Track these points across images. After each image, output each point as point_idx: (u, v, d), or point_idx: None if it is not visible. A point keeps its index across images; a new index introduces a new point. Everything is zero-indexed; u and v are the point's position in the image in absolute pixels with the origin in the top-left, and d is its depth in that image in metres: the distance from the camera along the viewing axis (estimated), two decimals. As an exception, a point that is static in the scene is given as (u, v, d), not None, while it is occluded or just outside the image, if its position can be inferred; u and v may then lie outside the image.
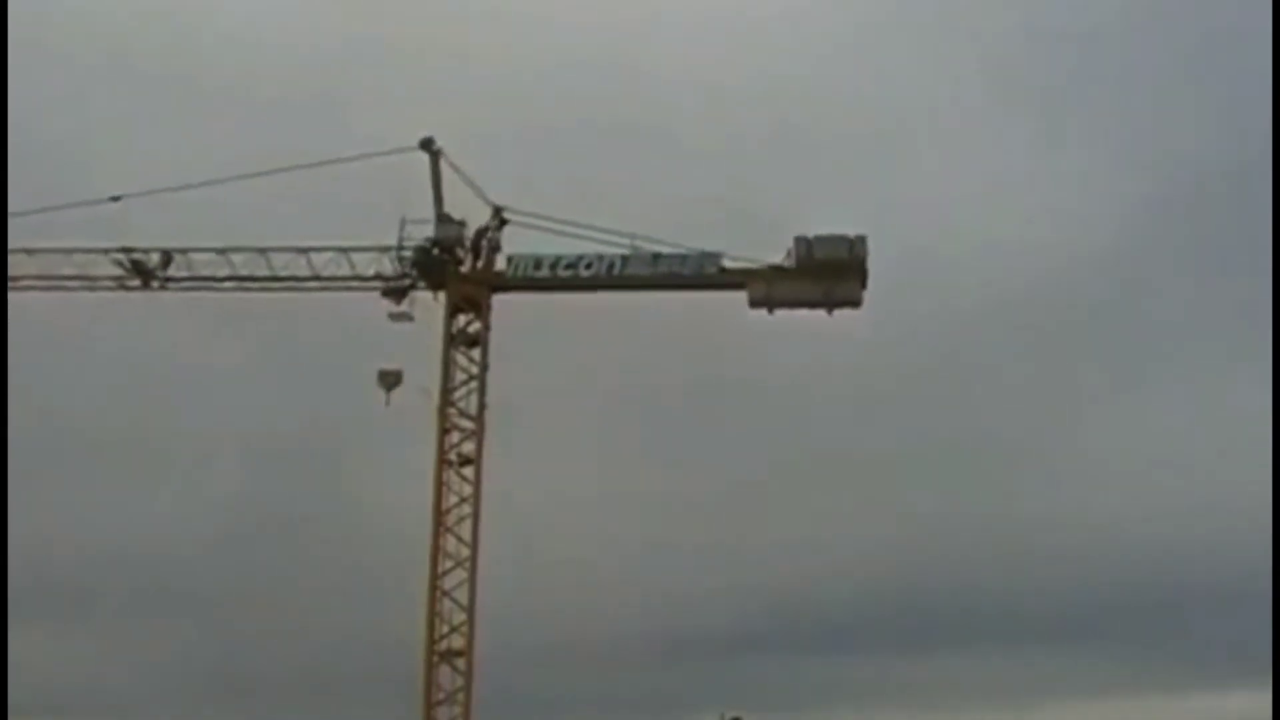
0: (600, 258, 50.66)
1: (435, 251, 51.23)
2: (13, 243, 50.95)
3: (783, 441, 72.92)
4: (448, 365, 50.98)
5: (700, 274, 50.62)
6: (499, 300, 51.51)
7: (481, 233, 51.37)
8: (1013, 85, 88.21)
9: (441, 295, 51.56)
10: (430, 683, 48.76)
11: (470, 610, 49.00)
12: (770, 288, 50.25)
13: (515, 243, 51.51)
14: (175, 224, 52.57)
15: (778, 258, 50.39)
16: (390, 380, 50.85)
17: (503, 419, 50.18)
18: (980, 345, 79.28)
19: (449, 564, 49.58)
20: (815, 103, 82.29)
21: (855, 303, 50.02)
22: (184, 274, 52.66)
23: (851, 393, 74.70)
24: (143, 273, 52.56)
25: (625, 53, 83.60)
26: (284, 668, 66.23)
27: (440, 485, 50.14)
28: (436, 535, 49.73)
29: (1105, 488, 75.38)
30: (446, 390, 50.80)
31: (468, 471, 50.35)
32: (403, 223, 51.33)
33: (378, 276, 51.49)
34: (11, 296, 51.67)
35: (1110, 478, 76.46)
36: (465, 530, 49.81)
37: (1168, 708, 73.90)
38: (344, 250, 51.52)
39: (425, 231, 51.49)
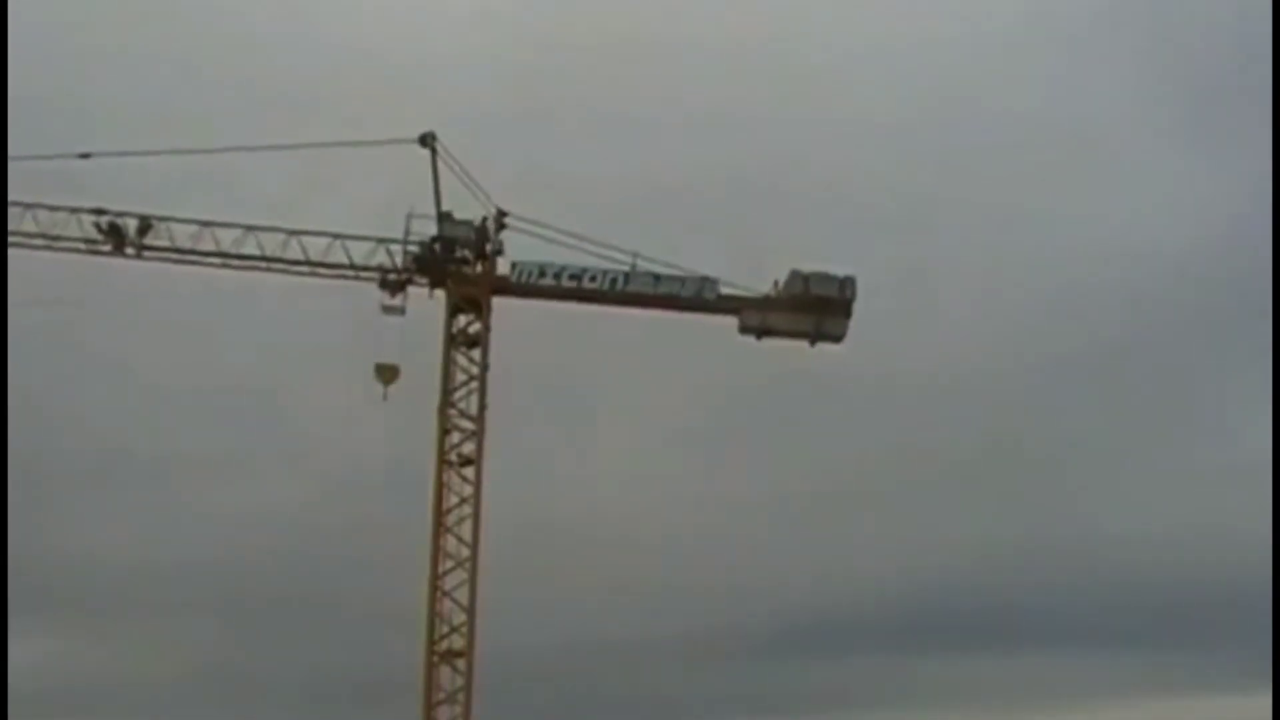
0: (604, 272, 51.51)
1: (438, 249, 50.46)
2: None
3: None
4: (448, 365, 50.21)
5: (698, 297, 52.33)
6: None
7: (483, 232, 51.03)
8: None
9: (440, 293, 50.70)
10: (430, 683, 47.04)
11: (470, 610, 47.82)
12: (764, 317, 52.61)
13: (514, 246, 51.49)
14: (153, 192, 49.42)
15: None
16: (388, 375, 49.41)
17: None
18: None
19: (449, 564, 48.19)
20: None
21: (840, 337, 53.10)
22: (163, 243, 49.19)
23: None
24: (118, 238, 48.80)
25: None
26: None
27: (440, 485, 48.94)
28: (436, 535, 48.62)
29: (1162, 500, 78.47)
30: (447, 390, 49.88)
31: (468, 471, 49.35)
32: (409, 217, 50.55)
33: (379, 268, 50.09)
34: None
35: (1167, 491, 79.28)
36: (465, 530, 48.69)
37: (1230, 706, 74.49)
38: (337, 237, 49.92)
39: (425, 227, 50.65)
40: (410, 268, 50.42)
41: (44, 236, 48.29)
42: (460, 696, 47.19)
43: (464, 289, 50.71)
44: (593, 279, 51.48)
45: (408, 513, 49.55)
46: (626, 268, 51.73)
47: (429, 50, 78.68)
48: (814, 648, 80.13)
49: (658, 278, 52.09)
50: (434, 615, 47.76)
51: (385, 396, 49.47)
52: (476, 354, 50.52)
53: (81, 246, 48.71)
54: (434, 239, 50.55)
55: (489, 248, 51.10)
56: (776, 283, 52.93)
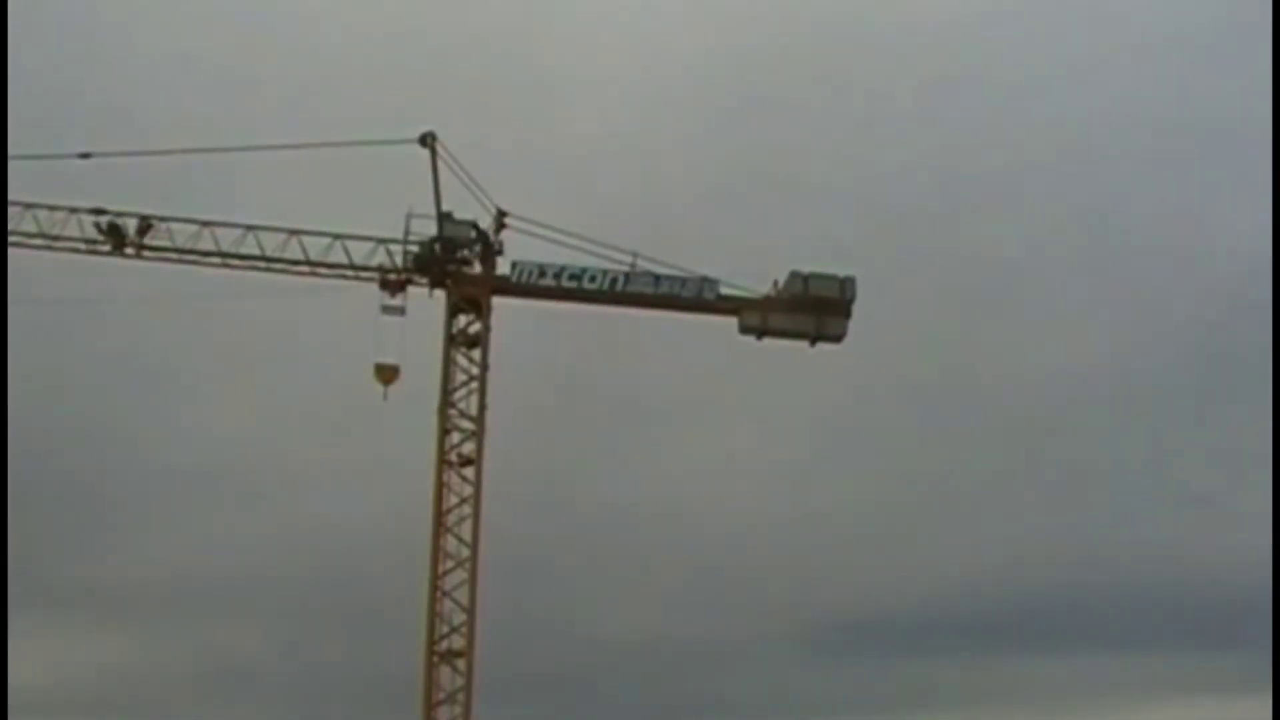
0: (604, 273, 51.49)
1: (438, 250, 50.44)
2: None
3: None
4: (448, 365, 50.16)
5: (698, 298, 52.31)
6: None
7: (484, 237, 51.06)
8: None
9: (439, 293, 50.68)
10: (430, 683, 47.01)
11: (470, 610, 47.77)
12: (765, 317, 52.60)
13: (514, 247, 51.46)
14: (153, 192, 49.43)
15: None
16: (387, 375, 49.39)
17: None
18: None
19: (449, 564, 48.15)
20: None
21: (840, 338, 53.08)
22: (163, 243, 49.18)
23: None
24: (117, 238, 48.82)
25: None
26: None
27: (440, 485, 48.94)
28: (436, 535, 48.59)
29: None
30: (447, 390, 49.84)
31: (468, 472, 49.31)
32: (408, 217, 50.45)
33: (379, 268, 50.08)
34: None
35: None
36: (465, 530, 48.66)
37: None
38: (337, 237, 49.92)
39: (424, 227, 50.58)
40: (410, 268, 50.37)
41: (44, 236, 48.34)
42: (460, 696, 47.11)
43: (464, 289, 50.68)
44: (593, 279, 51.45)
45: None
46: (626, 268, 51.74)
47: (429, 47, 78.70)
48: (877, 647, 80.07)
49: (658, 278, 52.05)
50: (434, 615, 47.69)
51: (385, 396, 49.41)
52: (476, 354, 50.45)
53: (81, 246, 48.75)
54: (434, 239, 50.49)
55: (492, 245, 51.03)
56: (776, 283, 52.95)
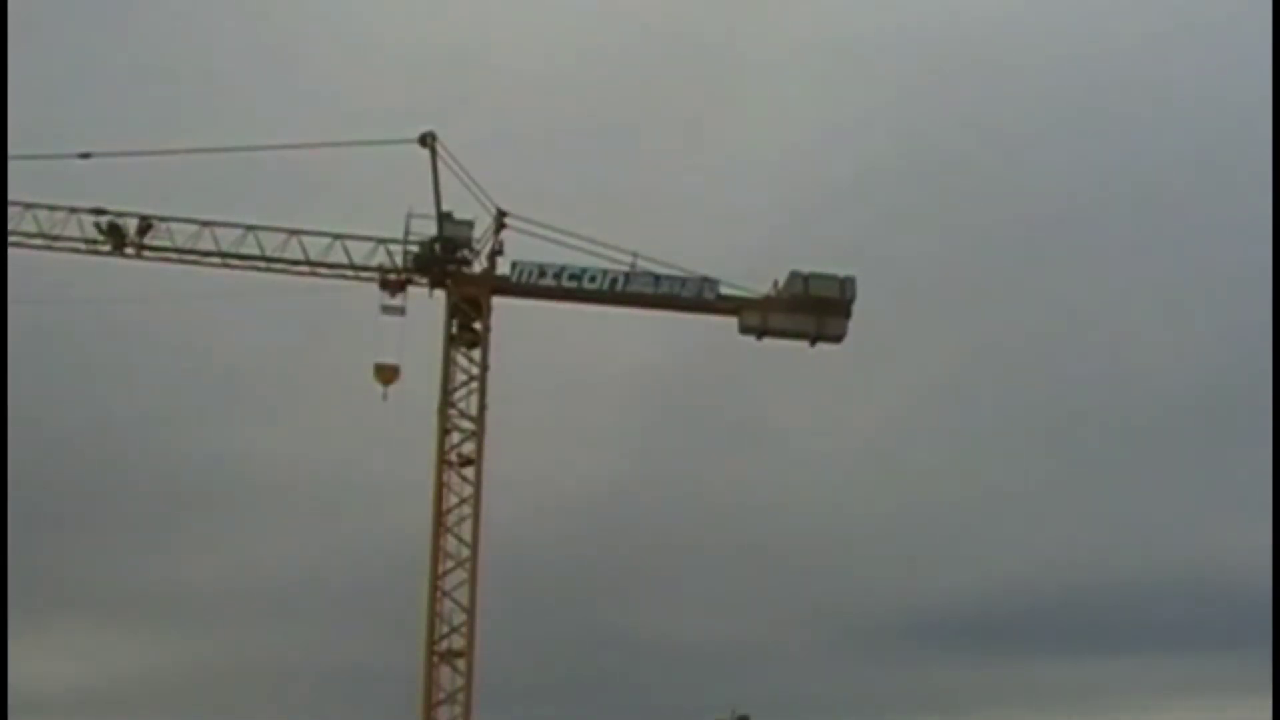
0: (604, 273, 51.47)
1: (437, 250, 50.42)
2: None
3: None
4: (448, 365, 50.10)
5: (698, 298, 52.28)
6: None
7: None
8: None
9: (439, 293, 50.67)
10: (430, 683, 46.98)
11: (470, 610, 47.70)
12: (765, 317, 52.57)
13: (514, 248, 51.43)
14: (153, 192, 49.42)
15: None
16: (387, 375, 49.37)
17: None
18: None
19: (449, 564, 48.12)
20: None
21: (840, 338, 53.04)
22: (163, 243, 49.16)
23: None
24: (118, 238, 48.81)
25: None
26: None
27: (440, 485, 48.90)
28: (436, 535, 48.52)
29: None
30: (446, 390, 49.81)
31: (468, 472, 49.28)
32: (408, 217, 50.47)
33: (379, 269, 50.07)
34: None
35: None
36: (465, 530, 48.61)
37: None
38: (337, 237, 49.90)
39: (424, 227, 50.57)
40: (410, 268, 50.35)
41: (44, 236, 48.35)
42: (460, 696, 47.08)
43: (464, 289, 50.65)
44: (593, 279, 51.47)
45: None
46: (626, 268, 51.72)
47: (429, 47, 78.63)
48: (942, 646, 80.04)
49: (658, 278, 52.06)
50: (434, 615, 47.63)
51: (385, 396, 49.39)
52: (476, 354, 50.43)
53: (81, 246, 48.78)
54: (434, 239, 50.48)
55: (490, 247, 51.05)
56: (776, 283, 52.93)
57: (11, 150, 47.05)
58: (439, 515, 48.63)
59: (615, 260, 51.55)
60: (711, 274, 52.14)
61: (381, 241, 50.41)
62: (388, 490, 57.03)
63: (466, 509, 48.93)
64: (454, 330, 50.51)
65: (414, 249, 50.33)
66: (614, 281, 51.67)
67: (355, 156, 50.10)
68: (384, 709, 53.38)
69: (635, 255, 51.72)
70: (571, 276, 51.30)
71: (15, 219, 47.88)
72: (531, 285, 51.07)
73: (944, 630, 78.98)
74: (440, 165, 49.54)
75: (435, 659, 47.47)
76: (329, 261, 49.84)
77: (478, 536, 48.61)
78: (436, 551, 48.24)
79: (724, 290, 52.56)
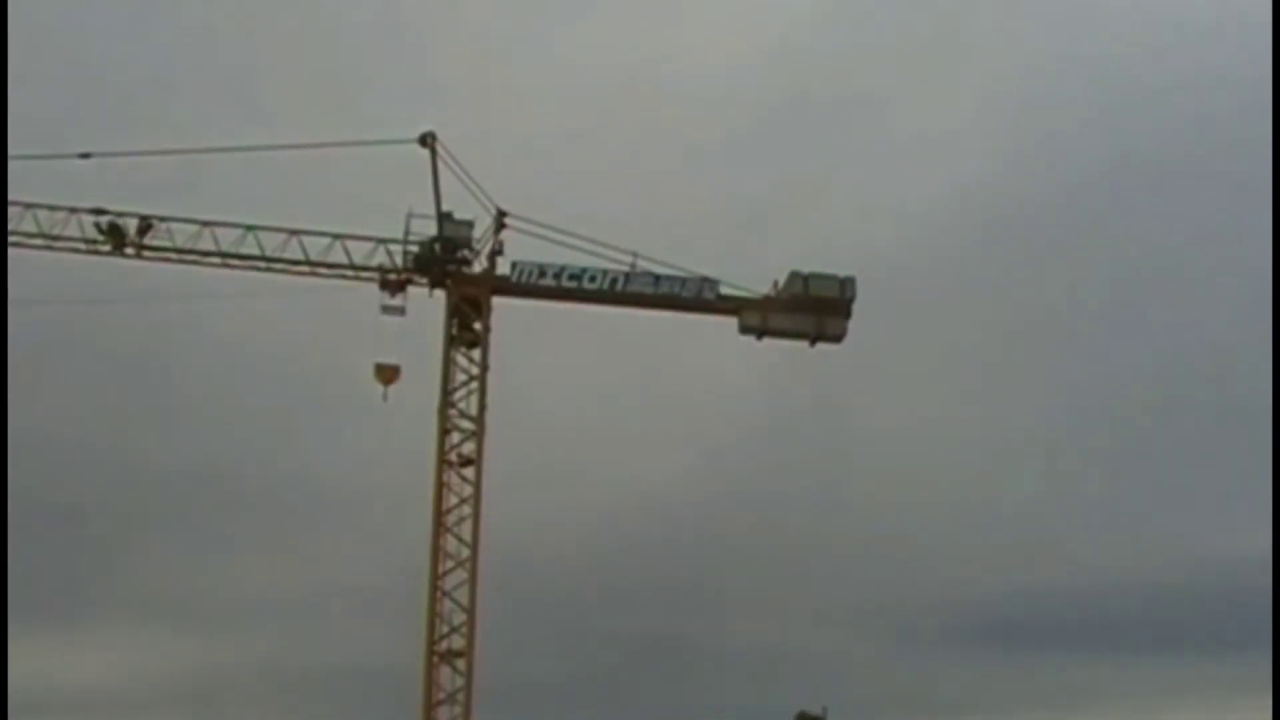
0: (604, 273, 51.47)
1: (438, 250, 50.42)
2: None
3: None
4: (448, 365, 50.13)
5: (698, 298, 52.28)
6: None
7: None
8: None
9: (439, 293, 50.68)
10: (430, 683, 47.01)
11: (470, 610, 47.74)
12: (765, 317, 52.58)
13: (514, 248, 51.42)
14: (153, 192, 49.43)
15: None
16: (387, 375, 49.37)
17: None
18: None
19: (449, 564, 48.14)
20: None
21: (840, 338, 53.05)
22: (163, 243, 49.19)
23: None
24: (118, 238, 48.85)
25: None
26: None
27: (440, 485, 48.91)
28: (436, 535, 48.50)
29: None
30: (446, 390, 49.84)
31: (468, 472, 49.30)
32: (408, 217, 50.48)
33: (379, 268, 50.08)
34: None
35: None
36: (465, 530, 48.61)
37: None
38: (338, 237, 49.92)
39: (424, 227, 50.56)
40: (410, 268, 50.37)
41: (44, 236, 48.36)
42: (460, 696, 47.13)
43: (464, 289, 50.65)
44: (593, 279, 51.45)
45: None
46: (626, 268, 51.72)
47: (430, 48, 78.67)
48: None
49: (658, 278, 52.02)
50: (434, 615, 47.66)
51: (385, 397, 49.39)
52: (476, 354, 50.45)
53: (81, 246, 48.79)
54: (434, 239, 50.48)
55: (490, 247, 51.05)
56: (776, 283, 52.91)
57: (11, 150, 47.03)
58: (439, 515, 48.62)
59: (615, 260, 51.66)
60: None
61: (381, 241, 50.41)
62: (387, 490, 56.66)
63: (466, 509, 48.92)
64: (454, 330, 50.51)
65: (414, 249, 50.30)
66: (614, 281, 51.65)
67: (355, 156, 50.17)
68: (384, 709, 53.13)
69: (635, 255, 51.83)
70: (571, 276, 51.27)
71: (15, 219, 47.87)
72: (531, 285, 51.02)
73: (995, 630, 78.39)
74: (440, 165, 49.76)
75: (435, 659, 47.47)
76: (329, 261, 49.84)
77: (477, 536, 48.58)
78: (436, 551, 48.24)
79: (724, 290, 52.61)
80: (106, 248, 49.00)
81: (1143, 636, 76.99)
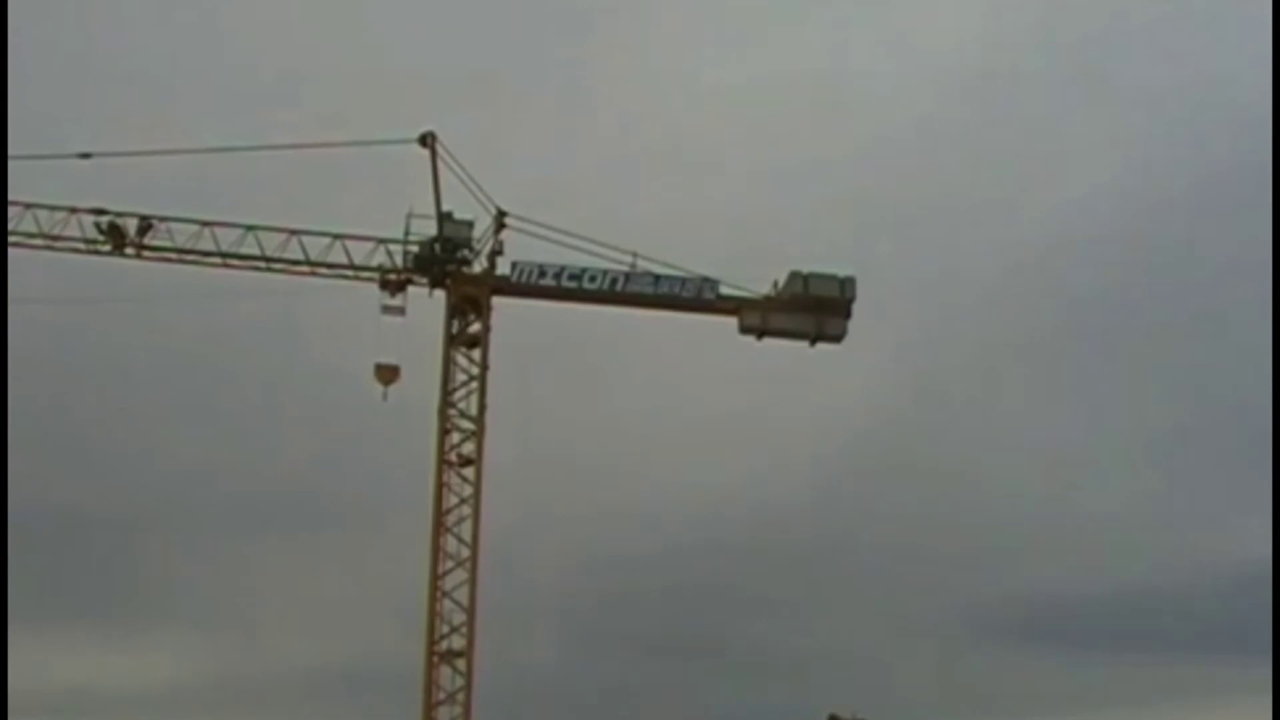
0: (604, 273, 51.47)
1: (438, 250, 50.42)
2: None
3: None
4: (448, 365, 50.15)
5: (698, 298, 52.27)
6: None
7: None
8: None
9: (440, 293, 50.69)
10: (430, 683, 47.04)
11: (470, 610, 47.75)
12: (765, 317, 52.58)
13: (514, 248, 51.39)
14: (153, 192, 49.48)
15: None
16: (387, 375, 49.38)
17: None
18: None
19: (449, 564, 48.12)
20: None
21: (839, 338, 53.05)
22: (163, 243, 49.20)
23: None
24: (118, 238, 48.86)
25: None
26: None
27: (440, 485, 48.87)
28: (436, 535, 48.46)
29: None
30: (446, 390, 49.84)
31: (468, 472, 49.29)
32: (408, 217, 50.49)
33: (379, 268, 50.09)
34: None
35: None
36: (465, 530, 48.62)
37: None
38: (338, 237, 49.92)
39: (424, 227, 50.55)
40: (410, 268, 50.38)
41: (44, 236, 48.35)
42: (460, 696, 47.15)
43: (464, 289, 50.65)
44: (593, 279, 51.44)
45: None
46: (626, 268, 51.72)
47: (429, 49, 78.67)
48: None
49: (658, 278, 52.01)
50: (434, 615, 47.67)
51: (385, 397, 49.39)
52: (476, 354, 50.45)
53: (81, 246, 48.77)
54: (434, 239, 50.48)
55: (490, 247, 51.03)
56: (776, 283, 52.90)
57: (11, 150, 47.08)
58: (439, 515, 48.64)
59: (615, 260, 51.65)
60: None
61: (381, 241, 50.42)
62: (387, 490, 56.69)
63: (466, 509, 48.94)
64: (454, 330, 50.54)
65: (414, 249, 50.32)
66: (614, 281, 51.65)
67: (355, 156, 50.17)
68: (383, 709, 53.16)
69: (635, 255, 51.83)
70: (571, 276, 51.27)
71: (15, 219, 47.87)
72: (531, 285, 51.01)
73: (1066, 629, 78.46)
74: (440, 165, 49.76)
75: (435, 659, 47.49)
76: (329, 261, 49.83)
77: (477, 536, 48.60)
78: (436, 551, 48.25)
79: (724, 290, 52.61)
80: (106, 248, 48.97)
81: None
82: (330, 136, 50.50)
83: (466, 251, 50.65)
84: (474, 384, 50.14)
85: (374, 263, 50.22)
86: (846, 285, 52.83)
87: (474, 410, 49.92)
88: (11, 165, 47.01)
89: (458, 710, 47.14)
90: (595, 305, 51.82)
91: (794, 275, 52.61)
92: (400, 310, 50.28)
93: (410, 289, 50.50)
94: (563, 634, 69.27)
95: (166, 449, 68.43)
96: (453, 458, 49.43)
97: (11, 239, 47.79)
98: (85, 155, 49.06)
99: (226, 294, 49.57)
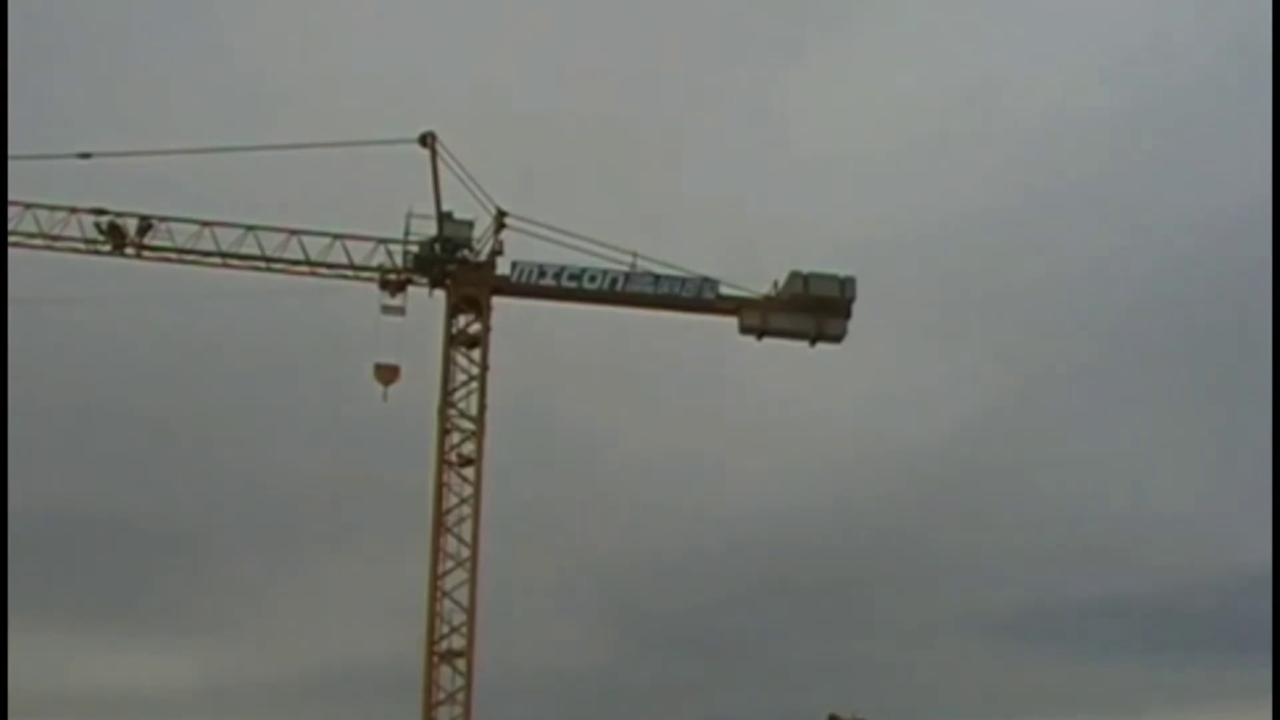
0: (604, 273, 51.45)
1: (438, 250, 50.41)
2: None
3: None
4: (447, 365, 50.12)
5: (698, 298, 52.26)
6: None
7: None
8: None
9: (439, 293, 50.68)
10: (430, 683, 47.04)
11: (470, 610, 47.77)
12: (765, 317, 52.57)
13: (514, 248, 51.38)
14: (153, 192, 49.45)
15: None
16: (387, 375, 49.38)
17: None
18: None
19: (449, 564, 48.12)
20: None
21: (839, 338, 53.02)
22: (163, 243, 49.21)
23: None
24: (117, 238, 48.87)
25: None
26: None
27: (440, 485, 48.88)
28: (436, 535, 48.45)
29: None
30: (446, 390, 49.83)
31: (468, 472, 49.27)
32: (408, 217, 50.48)
33: (379, 268, 50.08)
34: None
35: None
36: (465, 530, 48.60)
37: None
38: (338, 237, 49.91)
39: (424, 227, 50.53)
40: (410, 268, 50.37)
41: (44, 236, 48.38)
42: (460, 696, 47.15)
43: (464, 289, 50.64)
44: (593, 279, 51.44)
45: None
46: (626, 268, 51.71)
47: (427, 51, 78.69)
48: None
49: (658, 278, 52.00)
50: (434, 615, 47.67)
51: (385, 397, 49.39)
52: (476, 354, 50.45)
53: (81, 246, 48.80)
54: (434, 239, 50.47)
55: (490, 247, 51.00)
56: (776, 283, 52.89)
57: (11, 150, 47.08)
58: (439, 515, 48.64)
59: (615, 260, 51.64)
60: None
61: (381, 241, 50.44)
62: (387, 491, 56.70)
63: (466, 509, 48.94)
64: (454, 330, 50.52)
65: (414, 249, 50.33)
66: (614, 281, 51.65)
67: (355, 156, 50.11)
68: (383, 709, 53.18)
69: (635, 255, 51.82)
70: (571, 276, 51.27)
71: (15, 219, 47.91)
72: (531, 285, 51.03)
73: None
74: (440, 165, 49.73)
75: (435, 659, 47.49)
76: (329, 261, 49.85)
77: (477, 536, 48.62)
78: (436, 551, 48.25)
79: (724, 290, 52.59)
80: (106, 248, 49.00)
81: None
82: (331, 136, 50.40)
83: (466, 251, 50.61)
84: (474, 384, 50.12)
85: (374, 263, 50.25)
86: (846, 285, 52.81)
87: (474, 410, 49.91)
88: (11, 165, 47.02)
89: (458, 710, 47.12)
90: (595, 305, 51.79)
91: (794, 275, 52.60)
92: (400, 310, 50.28)
93: (410, 289, 50.52)
94: (562, 634, 69.04)
95: (166, 449, 68.24)
96: (453, 458, 49.42)
97: (11, 239, 47.81)
98: (85, 155, 49.06)
99: (226, 294, 49.41)
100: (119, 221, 48.91)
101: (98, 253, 48.94)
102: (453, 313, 50.54)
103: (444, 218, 50.51)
